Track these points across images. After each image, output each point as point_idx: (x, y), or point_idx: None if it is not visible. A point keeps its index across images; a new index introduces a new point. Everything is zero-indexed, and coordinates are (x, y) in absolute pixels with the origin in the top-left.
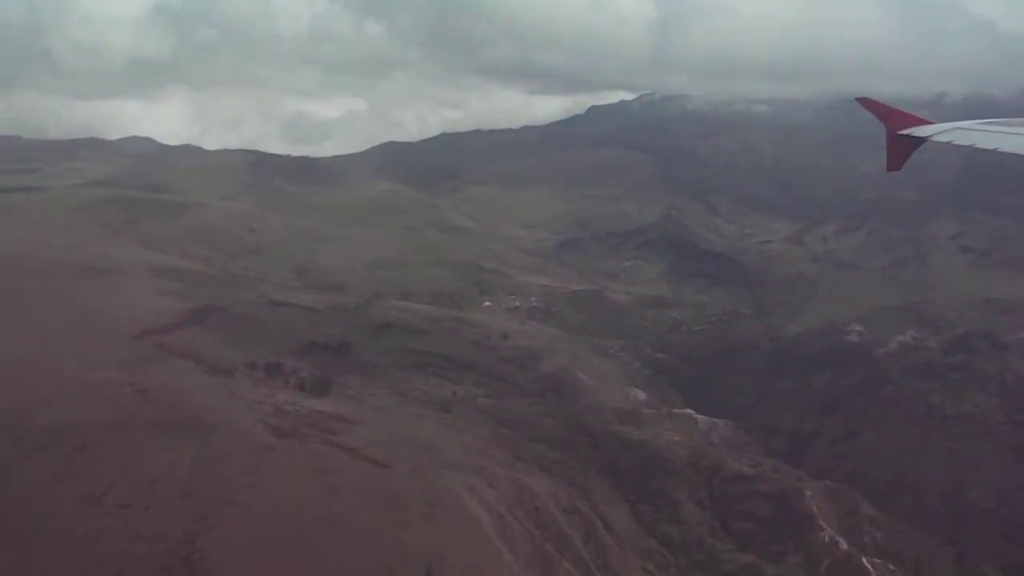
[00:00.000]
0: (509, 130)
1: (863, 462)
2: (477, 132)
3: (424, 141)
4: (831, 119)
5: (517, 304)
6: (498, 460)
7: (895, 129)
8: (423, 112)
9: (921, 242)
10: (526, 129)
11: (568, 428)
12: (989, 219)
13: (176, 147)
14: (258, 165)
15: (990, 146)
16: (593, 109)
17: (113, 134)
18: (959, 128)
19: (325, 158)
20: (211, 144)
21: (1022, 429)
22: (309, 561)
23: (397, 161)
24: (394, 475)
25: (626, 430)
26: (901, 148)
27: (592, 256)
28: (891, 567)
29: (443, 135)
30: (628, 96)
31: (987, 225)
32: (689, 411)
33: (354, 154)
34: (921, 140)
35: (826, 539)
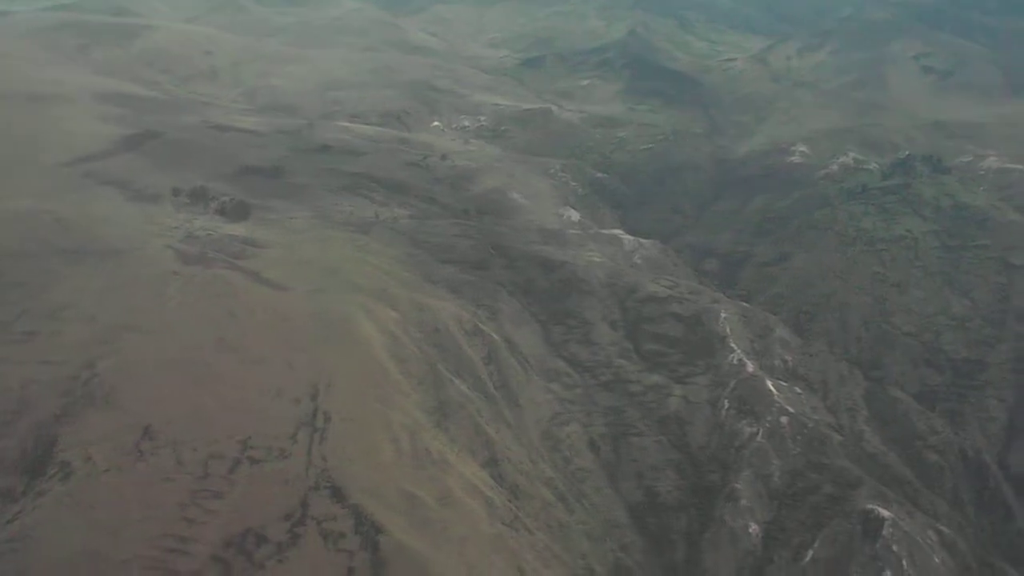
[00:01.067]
0: None
1: (791, 284)
2: None
3: None
4: None
5: (466, 124)
6: (405, 282)
7: None
8: None
9: (883, 62)
10: None
11: (486, 249)
12: (956, 40)
13: None
14: None
15: None
16: None
17: None
18: None
19: None
20: None
21: (953, 254)
22: (200, 384)
23: None
24: (292, 298)
25: (547, 251)
26: None
27: (552, 75)
28: (798, 390)
29: None
30: None
31: (953, 46)
32: (618, 231)
33: None
34: None
35: (734, 361)
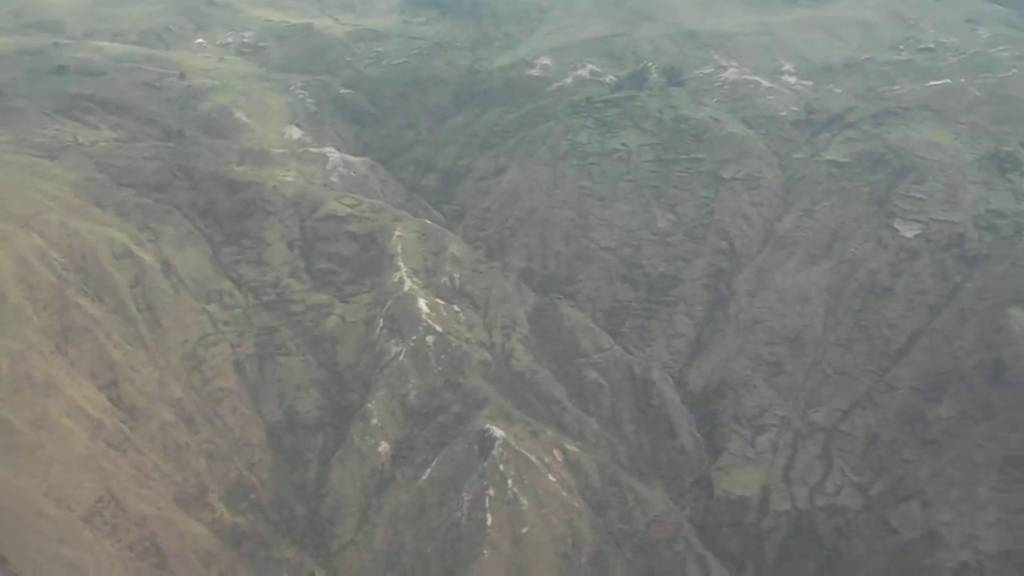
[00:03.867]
0: None
1: (500, 199)
2: None
3: None
4: None
5: (229, 40)
6: (70, 207)
7: None
8: None
9: None
10: None
11: (170, 172)
12: None
13: None
14: None
15: None
16: None
17: None
18: None
19: None
20: None
21: (665, 168)
22: None
23: None
24: None
25: (237, 172)
26: None
27: None
28: (456, 308)
29: None
30: None
31: None
32: (328, 149)
33: None
34: None
35: (396, 279)
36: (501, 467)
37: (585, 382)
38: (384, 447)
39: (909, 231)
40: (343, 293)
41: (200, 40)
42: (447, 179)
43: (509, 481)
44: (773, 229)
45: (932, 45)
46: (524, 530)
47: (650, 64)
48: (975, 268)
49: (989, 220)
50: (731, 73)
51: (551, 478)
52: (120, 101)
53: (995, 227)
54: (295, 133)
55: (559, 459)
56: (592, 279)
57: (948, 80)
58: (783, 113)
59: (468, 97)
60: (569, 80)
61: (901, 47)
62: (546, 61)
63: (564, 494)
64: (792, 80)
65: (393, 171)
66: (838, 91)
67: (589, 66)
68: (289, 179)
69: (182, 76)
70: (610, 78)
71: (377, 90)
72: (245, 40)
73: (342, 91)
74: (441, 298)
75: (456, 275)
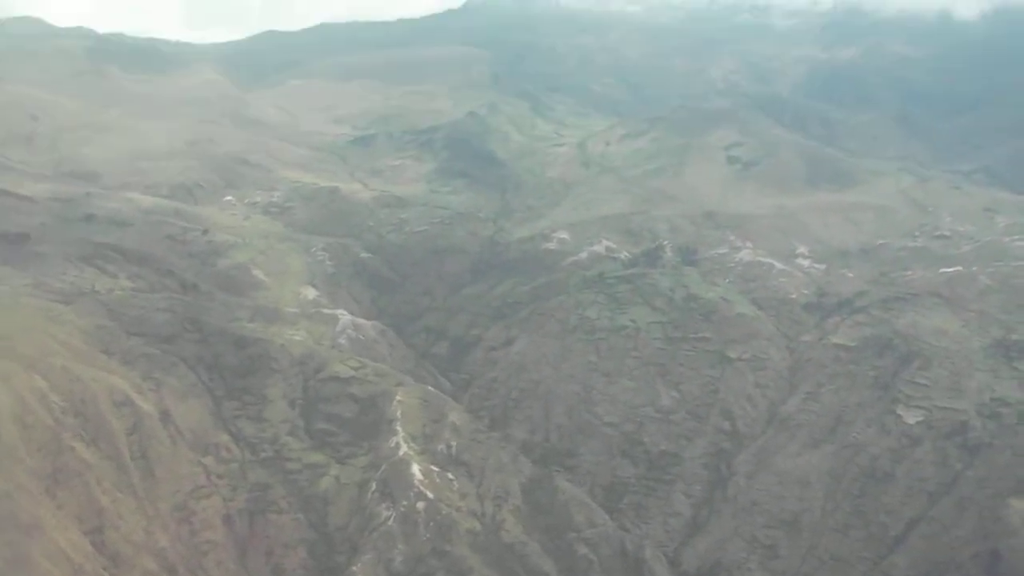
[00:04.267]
0: (383, 23)
1: (507, 369)
2: (353, 23)
3: (304, 31)
4: (699, 20)
5: (258, 199)
6: (76, 352)
7: None
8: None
9: (692, 150)
10: (400, 22)
11: (181, 324)
12: (774, 131)
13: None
14: (95, 50)
15: None
16: (469, 3)
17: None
18: None
19: (178, 44)
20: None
21: (673, 345)
22: None
23: (257, 50)
24: None
25: (248, 328)
26: None
27: (378, 153)
28: (450, 476)
29: (322, 25)
30: None
31: (768, 137)
32: (340, 311)
33: (218, 43)
34: None
35: (393, 444)
36: None
37: (576, 557)
38: None
39: (912, 417)
40: (340, 454)
41: (229, 197)
42: (458, 347)
43: None
44: (777, 411)
45: (948, 233)
46: None
47: (665, 242)
48: (976, 456)
49: (993, 408)
50: (745, 254)
51: None
52: (142, 252)
53: (999, 415)
54: (310, 294)
55: None
56: (593, 453)
57: (960, 267)
58: (794, 296)
59: (485, 267)
60: (584, 255)
61: (917, 233)
62: (563, 235)
63: None
64: (806, 263)
65: (405, 336)
66: (851, 275)
67: (605, 242)
68: (297, 338)
69: (205, 232)
70: (624, 254)
71: (397, 256)
72: (273, 200)
73: (362, 255)
74: (436, 465)
75: (454, 443)
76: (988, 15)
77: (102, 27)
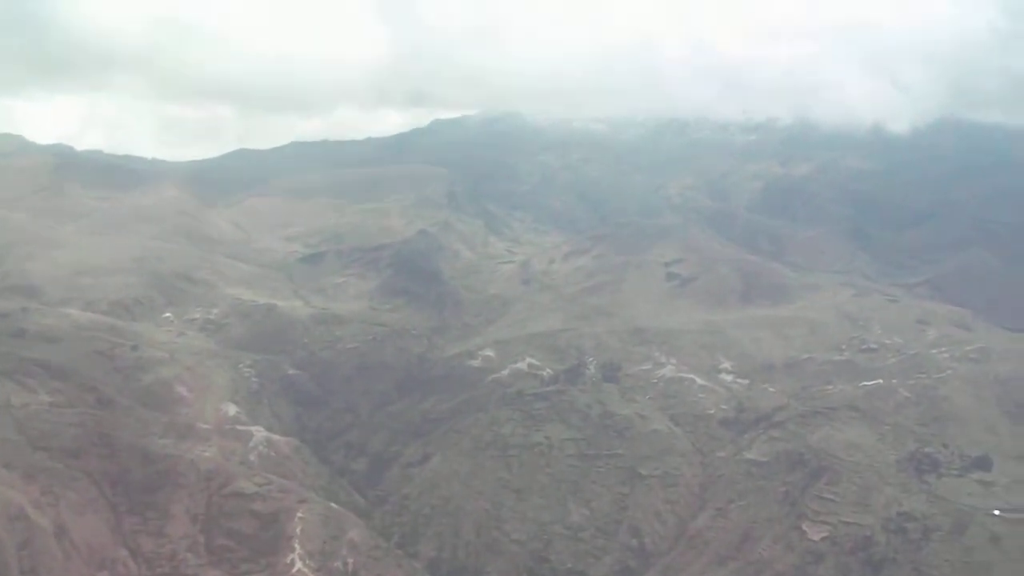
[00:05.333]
0: (353, 142)
1: (420, 486)
2: (324, 142)
3: (274, 149)
4: (661, 137)
5: (196, 316)
6: None
7: None
8: (289, 121)
9: (632, 267)
10: (369, 141)
11: (90, 438)
12: (716, 247)
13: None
14: (62, 167)
15: None
16: (435, 123)
17: None
18: None
19: (150, 161)
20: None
21: (586, 462)
22: None
23: (225, 168)
24: None
25: (160, 443)
26: None
27: (322, 271)
28: None
29: (293, 144)
30: (472, 112)
31: (709, 253)
32: (256, 428)
33: (190, 160)
34: None
35: (288, 560)
36: None
37: None
38: None
39: (817, 533)
40: (237, 571)
41: (168, 314)
42: (376, 464)
43: None
44: (686, 527)
45: (875, 346)
46: None
47: (590, 359)
48: (880, 572)
49: (899, 523)
50: (668, 370)
51: None
52: (67, 367)
53: (904, 530)
54: (231, 410)
55: None
56: (499, 572)
57: (881, 380)
58: (712, 411)
59: (412, 384)
60: (506, 372)
61: (844, 347)
62: (489, 353)
63: None
64: (729, 378)
65: (326, 453)
66: (772, 390)
67: (528, 359)
68: (207, 454)
69: (135, 348)
70: (547, 372)
71: (325, 373)
72: (211, 316)
73: (290, 371)
74: None
75: (351, 560)
76: (920, 130)
77: (83, 144)
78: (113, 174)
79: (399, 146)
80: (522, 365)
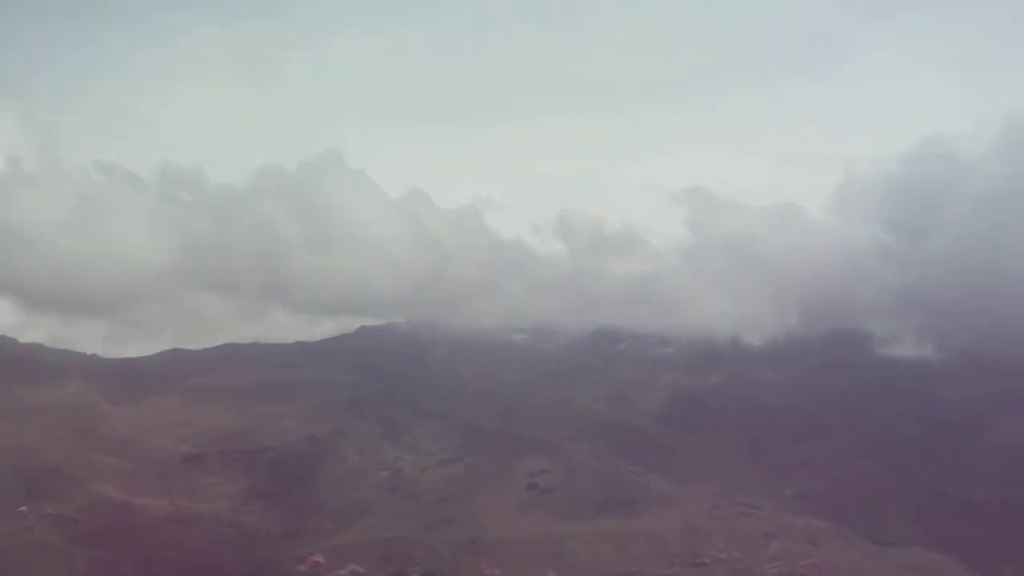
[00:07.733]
0: (281, 345)
1: None
2: (255, 344)
3: (206, 350)
4: (578, 349)
5: (50, 511)
6: None
7: None
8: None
9: (497, 476)
10: (296, 344)
11: None
12: (585, 459)
13: None
14: None
15: None
16: (362, 329)
17: None
18: None
19: (61, 353)
20: None
21: None
22: None
23: (149, 366)
24: None
25: None
26: None
27: (202, 471)
28: None
29: (225, 345)
30: (401, 319)
31: (576, 465)
32: None
33: (122, 358)
34: None
35: None
36: None
37: None
38: None
39: None
40: None
41: (23, 508)
42: None
43: None
44: None
45: (707, 560)
46: None
47: (415, 568)
48: None
49: None
50: None
51: None
52: None
53: None
54: None
55: None
56: None
57: None
58: None
59: None
60: None
61: (676, 561)
62: (319, 558)
63: None
64: None
65: None
66: None
67: (352, 566)
68: None
69: None
70: None
71: (163, 573)
72: (65, 512)
73: (126, 571)
74: None
75: None
76: (776, 341)
77: (26, 337)
78: (28, 367)
79: (322, 351)
80: (344, 572)
